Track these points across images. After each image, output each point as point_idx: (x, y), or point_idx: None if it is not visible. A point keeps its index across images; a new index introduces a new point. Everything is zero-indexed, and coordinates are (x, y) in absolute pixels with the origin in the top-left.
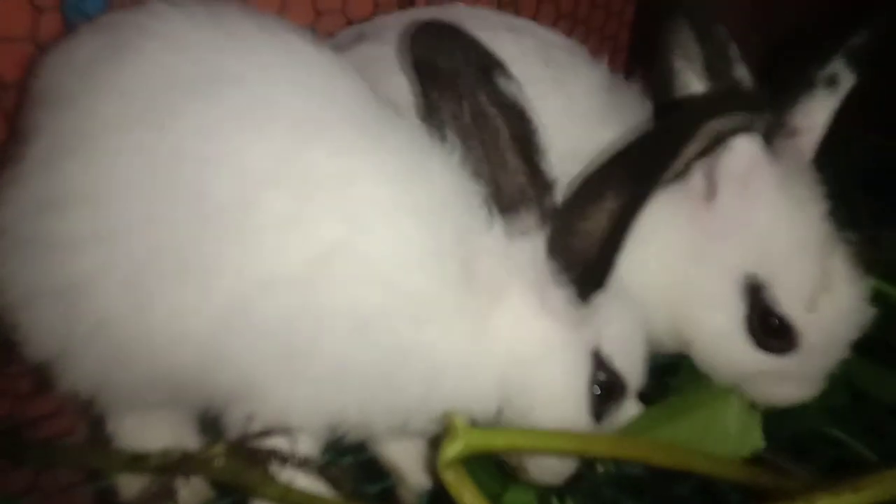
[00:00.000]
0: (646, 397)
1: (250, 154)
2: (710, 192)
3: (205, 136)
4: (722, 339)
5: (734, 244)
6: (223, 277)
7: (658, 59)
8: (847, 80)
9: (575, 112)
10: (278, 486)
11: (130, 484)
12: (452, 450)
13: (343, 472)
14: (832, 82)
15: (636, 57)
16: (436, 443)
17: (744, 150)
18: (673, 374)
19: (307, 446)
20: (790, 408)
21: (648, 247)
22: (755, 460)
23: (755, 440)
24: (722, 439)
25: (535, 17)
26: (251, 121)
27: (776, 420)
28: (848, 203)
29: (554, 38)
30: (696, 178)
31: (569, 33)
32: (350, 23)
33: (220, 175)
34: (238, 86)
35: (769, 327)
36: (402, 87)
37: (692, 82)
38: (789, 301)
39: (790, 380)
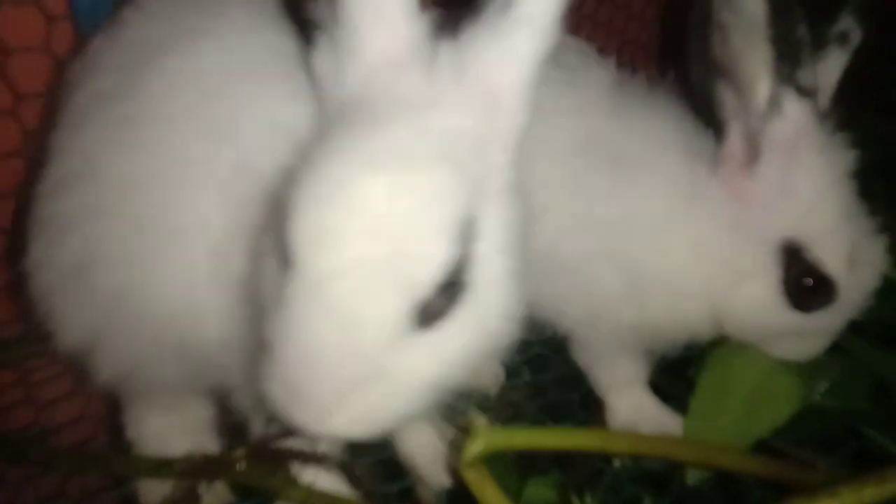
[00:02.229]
0: (664, 392)
1: (216, 105)
2: (752, 157)
3: (173, 91)
4: (758, 305)
5: (775, 209)
6: (207, 231)
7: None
8: (856, 35)
9: (586, 110)
10: (300, 488)
11: (152, 489)
12: (474, 449)
13: (363, 469)
14: (844, 39)
15: (660, 59)
16: (455, 442)
17: (794, 115)
18: (691, 367)
19: (326, 446)
20: (814, 402)
21: (670, 235)
22: (777, 454)
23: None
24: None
25: None
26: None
27: (799, 415)
28: (866, 192)
29: (563, 40)
30: (735, 144)
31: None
32: None
33: (191, 128)
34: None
35: (809, 287)
36: None
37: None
38: (832, 261)
39: (808, 336)
